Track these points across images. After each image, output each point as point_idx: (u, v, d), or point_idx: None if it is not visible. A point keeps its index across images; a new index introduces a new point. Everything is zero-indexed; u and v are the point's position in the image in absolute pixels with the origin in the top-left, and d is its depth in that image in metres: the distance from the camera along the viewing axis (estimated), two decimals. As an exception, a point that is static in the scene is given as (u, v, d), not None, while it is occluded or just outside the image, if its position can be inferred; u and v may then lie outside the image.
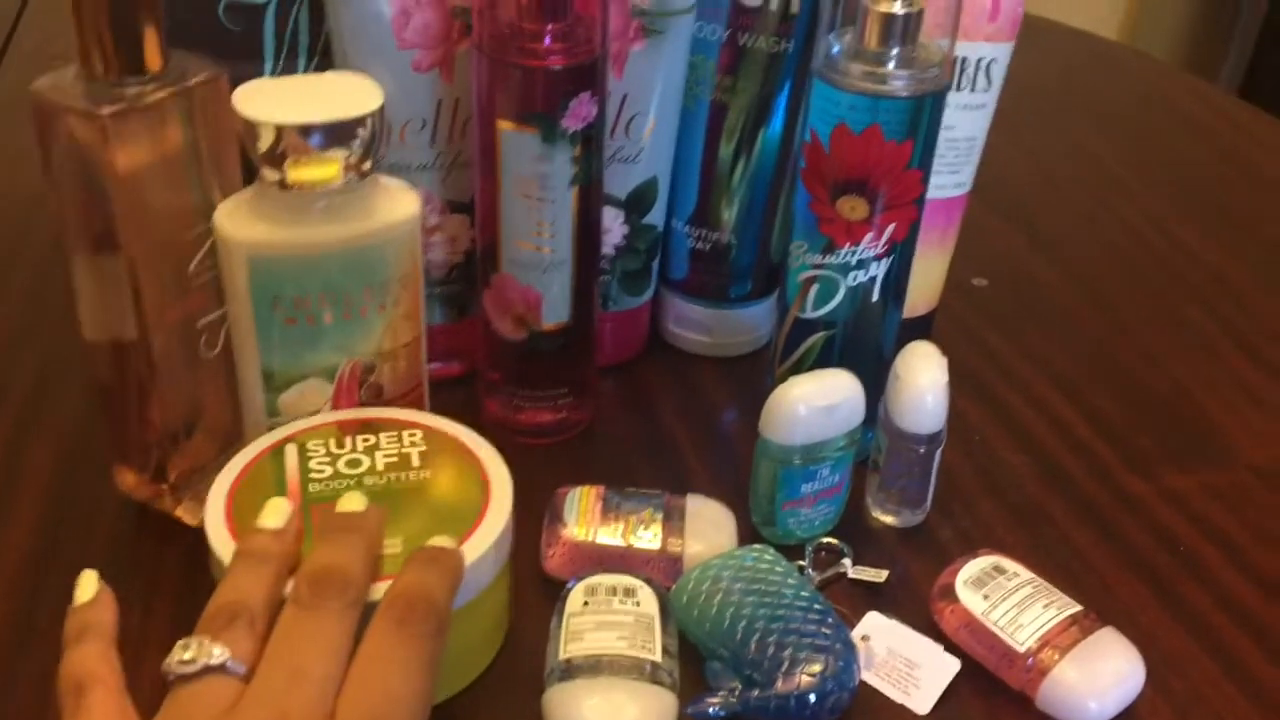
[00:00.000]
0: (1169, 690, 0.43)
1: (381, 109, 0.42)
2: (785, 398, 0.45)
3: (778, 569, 0.44)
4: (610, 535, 0.45)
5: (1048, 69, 0.90)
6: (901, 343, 0.48)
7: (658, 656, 0.40)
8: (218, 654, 0.32)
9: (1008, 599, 0.43)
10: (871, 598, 0.46)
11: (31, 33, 0.89)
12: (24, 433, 0.52)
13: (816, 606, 0.42)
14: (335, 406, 0.45)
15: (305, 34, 0.50)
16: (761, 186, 0.55)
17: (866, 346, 0.49)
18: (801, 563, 0.47)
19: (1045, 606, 0.43)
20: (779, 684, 0.40)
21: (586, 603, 0.42)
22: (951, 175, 0.53)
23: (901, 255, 0.47)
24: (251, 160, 0.42)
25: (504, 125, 0.46)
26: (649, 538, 0.45)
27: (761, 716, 0.40)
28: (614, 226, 0.54)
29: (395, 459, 0.42)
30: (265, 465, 0.42)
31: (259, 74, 0.49)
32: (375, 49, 0.48)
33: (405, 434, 0.43)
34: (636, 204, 0.54)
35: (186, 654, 0.31)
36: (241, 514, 0.39)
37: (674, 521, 0.46)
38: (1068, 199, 0.76)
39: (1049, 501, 0.52)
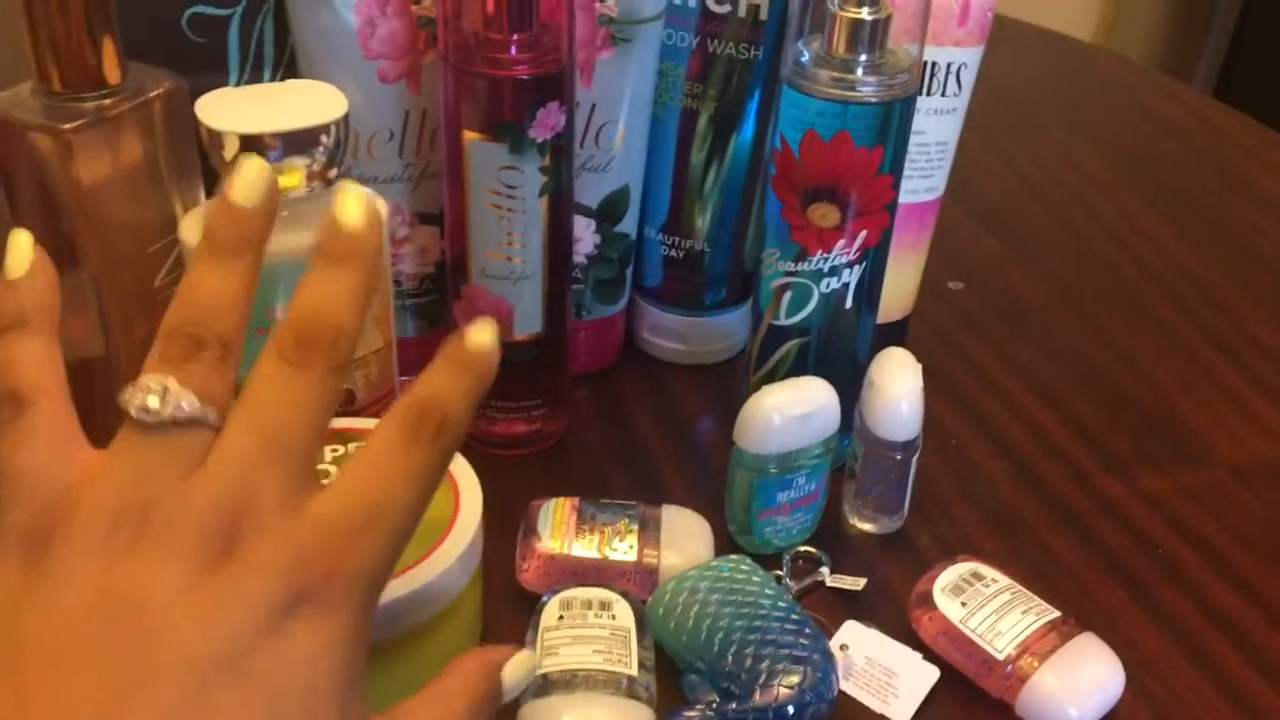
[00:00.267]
0: (1148, 695, 0.43)
1: (346, 116, 0.41)
2: (760, 407, 0.45)
3: (755, 579, 0.43)
4: (585, 547, 0.45)
5: (1022, 72, 0.90)
6: (876, 348, 0.48)
7: (634, 670, 0.40)
8: (186, 407, 0.26)
9: (986, 605, 0.43)
10: (850, 606, 0.46)
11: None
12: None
13: (794, 616, 0.42)
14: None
15: (270, 45, 0.49)
16: (734, 193, 0.54)
17: (841, 353, 0.49)
18: (779, 572, 0.46)
19: (1024, 613, 0.42)
20: (757, 696, 0.40)
21: (562, 616, 0.42)
22: (924, 180, 0.53)
23: (874, 261, 0.47)
24: (215, 170, 0.41)
25: (471, 136, 0.45)
26: (624, 549, 0.45)
27: (739, 729, 0.40)
28: (585, 236, 0.53)
29: (365, 473, 0.42)
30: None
31: (223, 86, 0.49)
32: (341, 60, 0.47)
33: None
34: (608, 213, 0.53)
35: (151, 403, 0.26)
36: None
37: (650, 532, 0.45)
38: (1042, 201, 0.76)
39: (1026, 506, 0.51)
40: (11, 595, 0.25)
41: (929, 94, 0.50)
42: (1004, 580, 0.44)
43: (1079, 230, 0.73)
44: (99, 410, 0.44)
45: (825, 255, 0.46)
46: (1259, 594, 0.48)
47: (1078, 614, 0.43)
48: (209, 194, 0.42)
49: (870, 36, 0.43)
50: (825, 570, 0.47)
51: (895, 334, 0.57)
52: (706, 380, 0.58)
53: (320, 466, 0.41)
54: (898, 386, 0.46)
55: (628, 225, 0.54)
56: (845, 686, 0.42)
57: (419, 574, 0.38)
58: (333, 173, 0.42)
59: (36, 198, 0.41)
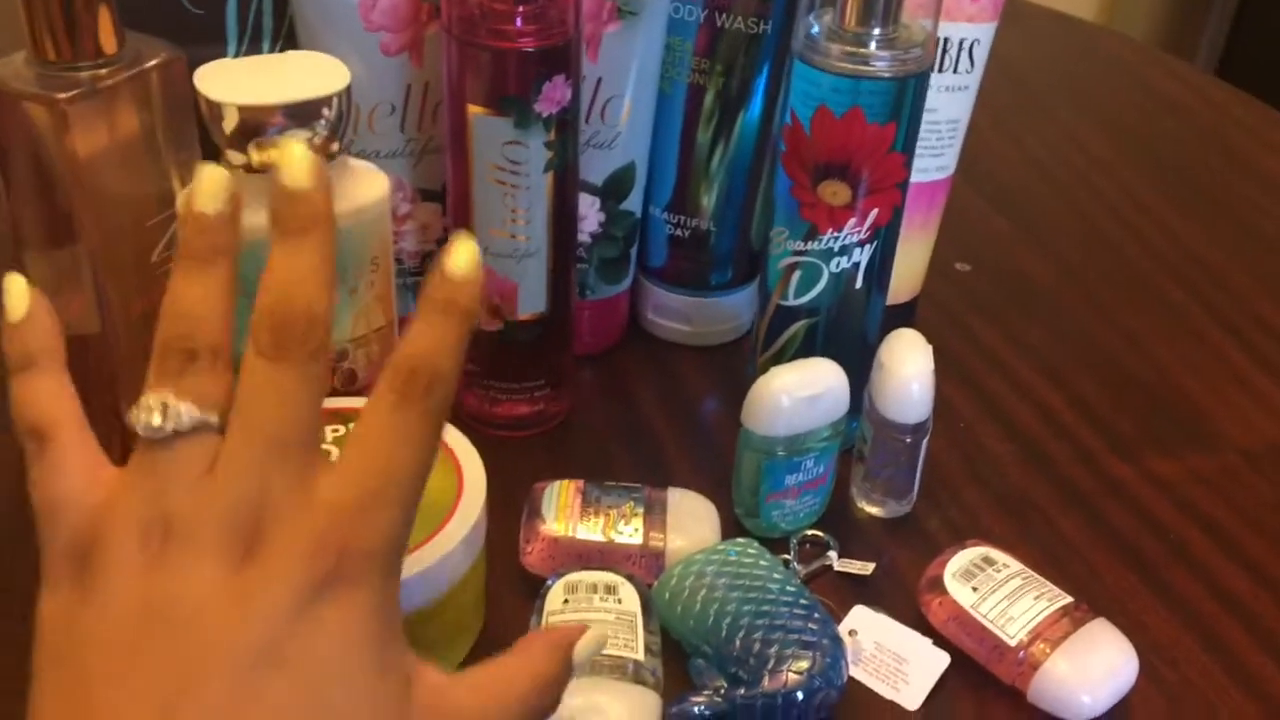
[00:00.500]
0: (1160, 679, 0.43)
1: (349, 88, 0.40)
2: (767, 389, 0.44)
3: (762, 563, 0.43)
4: (590, 530, 0.44)
5: (1026, 51, 0.89)
6: (885, 329, 0.47)
7: (640, 655, 0.39)
8: (187, 417, 0.28)
9: (997, 591, 0.42)
10: (858, 590, 0.45)
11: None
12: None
13: (803, 601, 0.41)
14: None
15: (270, 16, 0.48)
16: (741, 171, 0.53)
17: (850, 334, 0.48)
18: (786, 556, 0.46)
19: (1036, 598, 0.42)
20: (765, 682, 0.39)
21: (567, 600, 0.41)
22: (934, 159, 0.52)
23: (885, 241, 0.46)
24: (214, 143, 0.40)
25: (475, 110, 0.44)
26: (630, 532, 0.44)
27: (748, 715, 0.39)
28: (590, 213, 0.53)
29: (367, 454, 0.41)
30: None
31: (222, 57, 0.48)
32: (342, 31, 0.46)
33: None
34: (613, 190, 0.53)
35: (154, 419, 0.28)
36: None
37: (655, 515, 0.45)
38: (1049, 181, 0.75)
39: (1036, 489, 0.51)
40: (69, 613, 0.27)
41: (941, 70, 0.49)
42: (1016, 565, 0.43)
43: (1084, 210, 0.72)
44: (97, 388, 0.44)
45: (835, 234, 0.45)
46: (1270, 578, 0.47)
47: (1088, 597, 0.43)
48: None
49: (884, 10, 0.42)
50: (833, 554, 0.46)
51: (903, 315, 0.56)
52: (712, 361, 0.57)
53: (321, 447, 0.41)
54: (908, 368, 0.45)
55: (633, 203, 0.53)
56: (855, 672, 0.42)
57: (421, 558, 0.37)
58: (335, 146, 0.41)
59: (31, 170, 0.40)
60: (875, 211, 0.45)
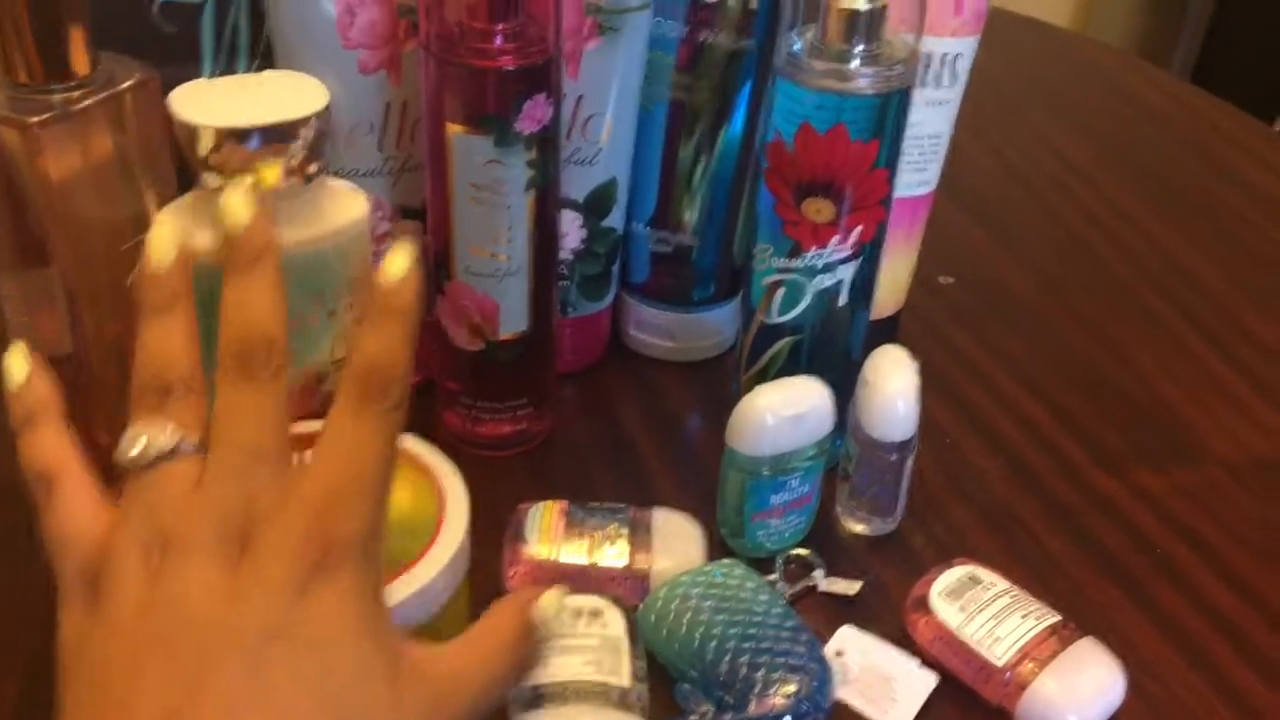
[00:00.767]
0: (1147, 696, 0.43)
1: (327, 108, 0.40)
2: (752, 408, 0.44)
3: (748, 584, 0.42)
4: (574, 553, 0.44)
5: (1002, 60, 0.89)
6: (869, 344, 0.47)
7: (626, 681, 0.39)
8: (165, 441, 0.31)
9: (984, 610, 0.42)
10: (844, 610, 0.45)
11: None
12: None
13: (789, 623, 0.41)
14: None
15: (245, 34, 0.47)
16: (723, 187, 0.53)
17: (834, 351, 0.48)
18: (772, 576, 0.45)
19: (1023, 617, 0.42)
20: (752, 706, 0.39)
21: (551, 625, 0.40)
22: (917, 173, 0.52)
23: (869, 257, 0.46)
24: (190, 165, 0.39)
25: (454, 129, 0.44)
26: (614, 554, 0.44)
27: (735, 740, 0.39)
28: (571, 230, 0.52)
29: (347, 479, 0.40)
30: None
31: (196, 77, 0.47)
32: (319, 50, 0.46)
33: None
34: (595, 207, 0.52)
35: (135, 449, 0.31)
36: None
37: (640, 536, 0.44)
38: (1029, 191, 0.75)
39: (1021, 505, 0.51)
40: (83, 634, 0.30)
41: (923, 85, 0.49)
42: (1002, 584, 0.43)
43: (1063, 220, 0.72)
44: (70, 409, 0.43)
45: (819, 251, 0.45)
46: (1255, 593, 0.47)
47: (1074, 613, 0.43)
48: (183, 188, 0.41)
49: (866, 26, 0.42)
50: (819, 574, 0.46)
51: (887, 330, 0.56)
52: (695, 377, 0.57)
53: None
54: (893, 385, 0.45)
55: (615, 220, 0.53)
56: (841, 694, 0.41)
57: (404, 584, 0.37)
58: (313, 167, 0.40)
59: (3, 193, 0.39)
60: (859, 228, 0.45)
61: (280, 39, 0.46)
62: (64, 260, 0.40)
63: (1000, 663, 0.41)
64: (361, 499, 0.31)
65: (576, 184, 0.51)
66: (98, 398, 0.42)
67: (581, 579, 0.43)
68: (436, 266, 0.48)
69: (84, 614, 0.30)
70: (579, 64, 0.48)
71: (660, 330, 0.57)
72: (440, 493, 0.40)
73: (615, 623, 0.41)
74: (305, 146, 0.40)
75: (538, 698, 0.38)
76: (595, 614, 0.41)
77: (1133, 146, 0.81)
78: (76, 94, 0.38)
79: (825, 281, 0.46)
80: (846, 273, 0.46)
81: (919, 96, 0.49)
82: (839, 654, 0.43)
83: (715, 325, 0.57)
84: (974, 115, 0.74)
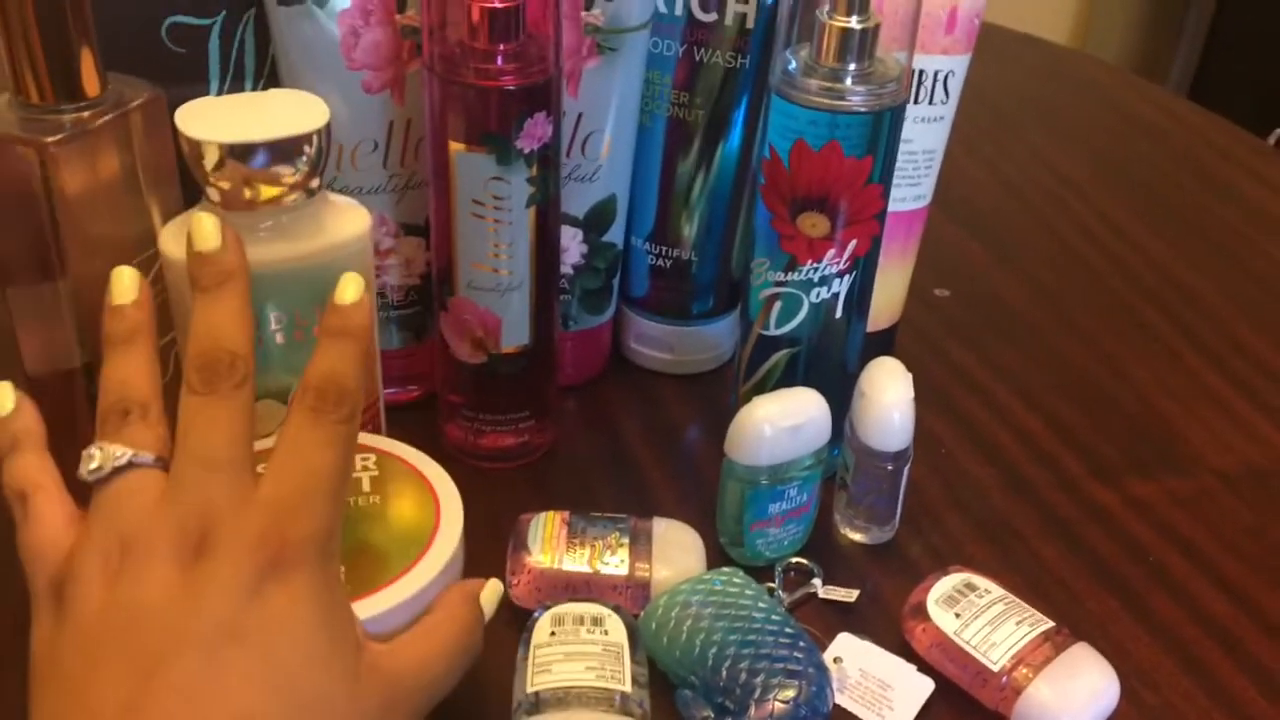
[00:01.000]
0: (1141, 703, 0.43)
1: (328, 125, 0.41)
2: (750, 419, 0.45)
3: (748, 592, 0.43)
4: (576, 562, 0.44)
5: (999, 75, 0.90)
6: (865, 357, 0.48)
7: (627, 687, 0.39)
8: (119, 454, 0.33)
9: (980, 617, 0.43)
10: (843, 618, 0.46)
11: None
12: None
13: (788, 630, 0.42)
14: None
15: (251, 56, 0.48)
16: (721, 202, 0.54)
17: (831, 363, 0.49)
18: (771, 584, 0.46)
19: (1018, 624, 0.42)
20: (752, 711, 0.39)
21: (553, 633, 0.41)
22: (911, 188, 0.52)
23: (864, 271, 0.47)
24: (195, 180, 0.40)
25: (457, 147, 0.45)
26: (616, 563, 0.44)
27: (734, 745, 0.39)
28: (572, 245, 0.53)
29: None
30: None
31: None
32: (324, 70, 0.47)
33: (357, 458, 0.42)
34: (595, 223, 0.53)
35: (93, 464, 0.33)
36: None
37: (641, 546, 0.45)
38: (1024, 205, 0.76)
39: (1016, 514, 0.51)
40: (49, 638, 0.32)
41: (916, 102, 0.50)
42: (997, 591, 0.44)
43: (1058, 233, 0.73)
44: (77, 421, 0.44)
45: (815, 265, 0.46)
46: (1249, 601, 0.48)
47: (1069, 622, 0.43)
48: (189, 204, 0.42)
49: (859, 45, 0.43)
50: (818, 582, 0.46)
51: (883, 342, 0.56)
52: (694, 390, 0.57)
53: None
54: (889, 396, 0.46)
55: (614, 235, 0.54)
56: (840, 700, 0.42)
57: (396, 591, 0.37)
58: (315, 182, 0.41)
59: (14, 209, 0.40)
60: (854, 242, 0.46)
61: (285, 60, 0.47)
62: (73, 275, 0.41)
63: (996, 668, 0.41)
64: (320, 499, 0.32)
65: (577, 200, 0.52)
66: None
67: (583, 587, 0.44)
68: (439, 282, 0.49)
69: (50, 622, 0.32)
70: (579, 83, 0.49)
71: (660, 343, 0.58)
72: (436, 504, 0.41)
73: (616, 630, 0.41)
74: (308, 161, 0.41)
75: (540, 703, 0.39)
76: (597, 621, 0.41)
77: (1127, 161, 0.82)
78: (87, 115, 0.39)
79: (821, 294, 0.46)
80: (842, 286, 0.46)
81: (913, 113, 0.50)
82: (837, 660, 0.43)
83: (714, 338, 0.58)
84: (970, 130, 0.75)
